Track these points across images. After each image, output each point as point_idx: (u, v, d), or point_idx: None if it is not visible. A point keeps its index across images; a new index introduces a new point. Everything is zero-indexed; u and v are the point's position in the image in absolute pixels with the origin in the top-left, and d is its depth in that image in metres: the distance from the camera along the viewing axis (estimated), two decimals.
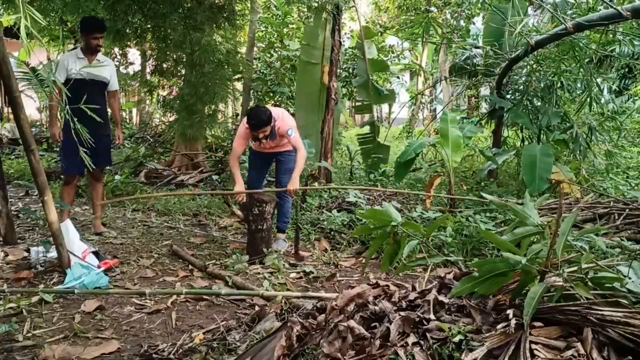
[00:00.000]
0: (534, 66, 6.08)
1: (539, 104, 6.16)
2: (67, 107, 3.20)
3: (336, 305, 1.85)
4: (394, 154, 7.96)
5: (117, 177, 6.62)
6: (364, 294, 1.89)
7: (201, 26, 6.07)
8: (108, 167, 5.89)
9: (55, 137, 4.35)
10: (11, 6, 4.00)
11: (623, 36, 5.23)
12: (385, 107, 19.51)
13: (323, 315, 1.88)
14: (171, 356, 2.47)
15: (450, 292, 1.74)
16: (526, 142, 6.52)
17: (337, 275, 3.76)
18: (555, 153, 5.38)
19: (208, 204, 5.89)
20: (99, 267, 3.58)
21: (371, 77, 7.33)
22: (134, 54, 11.82)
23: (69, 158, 4.23)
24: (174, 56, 6.92)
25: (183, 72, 7.11)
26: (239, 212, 4.18)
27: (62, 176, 4.64)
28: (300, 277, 3.74)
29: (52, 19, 7.20)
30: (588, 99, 5.69)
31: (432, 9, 11.41)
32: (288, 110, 5.67)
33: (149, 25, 6.48)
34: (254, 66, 8.73)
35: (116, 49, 10.54)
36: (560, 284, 1.57)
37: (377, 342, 1.56)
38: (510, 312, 1.49)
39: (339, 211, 5.07)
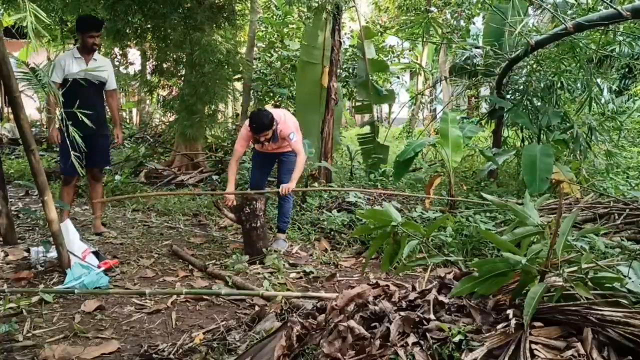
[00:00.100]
0: (534, 66, 6.08)
1: (539, 104, 6.16)
2: (62, 109, 3.21)
3: (336, 305, 1.85)
4: (394, 154, 7.96)
5: (117, 177, 6.62)
6: (364, 294, 1.89)
7: (201, 26, 6.07)
8: (108, 167, 5.89)
9: (53, 138, 4.33)
10: (12, 6, 3.99)
11: (623, 37, 5.23)
12: (385, 107, 19.50)
13: (323, 315, 1.88)
14: (171, 356, 2.47)
15: (450, 292, 1.74)
16: (526, 142, 6.52)
17: (337, 275, 3.77)
18: (555, 153, 5.37)
19: (208, 204, 5.89)
20: (99, 267, 3.58)
21: (371, 77, 7.33)
22: (134, 54, 11.81)
23: (68, 158, 4.23)
24: (174, 56, 6.92)
25: (183, 72, 7.11)
26: (230, 215, 4.20)
27: (61, 176, 4.64)
28: (300, 277, 3.74)
29: (52, 19, 7.20)
30: (588, 99, 5.69)
31: (432, 9, 11.40)
32: (289, 110, 5.67)
33: (149, 25, 6.48)
34: (254, 66, 8.73)
35: (116, 49, 10.54)
36: (560, 284, 1.57)
37: (377, 342, 1.56)
38: (510, 312, 1.49)
39: (339, 211, 5.07)
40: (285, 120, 4.25)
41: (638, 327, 1.35)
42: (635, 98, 9.27)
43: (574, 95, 6.38)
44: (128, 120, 14.57)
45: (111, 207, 5.73)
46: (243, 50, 8.90)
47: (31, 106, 11.29)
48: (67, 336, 2.68)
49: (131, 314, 3.02)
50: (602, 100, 6.57)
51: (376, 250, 2.95)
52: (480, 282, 1.63)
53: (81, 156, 3.65)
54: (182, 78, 7.21)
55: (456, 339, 1.47)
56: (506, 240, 1.79)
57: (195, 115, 6.36)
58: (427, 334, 1.55)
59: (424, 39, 8.81)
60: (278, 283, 3.57)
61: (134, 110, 14.84)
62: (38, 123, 11.96)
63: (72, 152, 3.27)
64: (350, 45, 10.04)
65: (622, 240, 3.69)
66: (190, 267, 3.89)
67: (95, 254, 3.76)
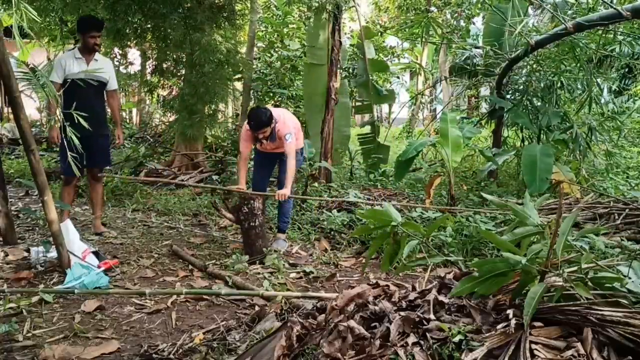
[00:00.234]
0: (534, 66, 6.07)
1: (539, 104, 6.15)
2: (60, 109, 3.21)
3: (336, 305, 1.85)
4: (394, 154, 7.96)
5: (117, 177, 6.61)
6: (364, 294, 1.89)
7: (201, 26, 6.07)
8: (108, 167, 5.88)
9: (53, 138, 4.33)
10: (10, 6, 3.98)
11: (623, 37, 5.23)
12: (385, 107, 19.49)
13: (323, 315, 1.88)
14: (171, 356, 2.47)
15: (450, 292, 1.74)
16: (526, 142, 6.52)
17: (337, 275, 3.77)
18: (555, 153, 5.37)
19: (208, 204, 5.89)
20: (99, 267, 3.58)
21: (371, 77, 7.33)
22: (134, 54, 11.80)
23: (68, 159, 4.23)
24: (174, 56, 6.93)
25: (183, 72, 7.11)
26: (229, 215, 4.20)
27: (62, 176, 4.64)
28: (300, 277, 3.74)
29: (52, 19, 7.20)
30: (588, 99, 5.69)
31: (432, 9, 11.40)
32: (289, 110, 5.67)
33: (149, 25, 6.49)
34: (254, 66, 8.73)
35: (116, 49, 10.53)
36: (560, 284, 1.57)
37: (377, 342, 1.56)
38: (510, 312, 1.49)
39: (339, 211, 5.07)
40: (285, 120, 4.24)
41: (638, 327, 1.35)
42: (635, 98, 9.27)
43: (574, 95, 6.38)
44: (128, 120, 14.56)
45: (111, 207, 5.73)
46: (243, 50, 8.90)
47: (31, 106, 11.29)
48: (67, 336, 2.68)
49: (131, 314, 3.02)
50: (602, 100, 6.58)
51: (376, 250, 2.95)
52: (480, 282, 1.63)
53: (81, 156, 3.65)
54: (182, 78, 7.21)
55: (456, 339, 1.47)
56: (506, 240, 1.79)
57: (195, 115, 6.36)
58: (427, 334, 1.55)
59: (424, 39, 8.81)
60: (278, 283, 3.57)
61: (134, 110, 14.84)
62: (38, 123, 11.96)
63: (69, 153, 3.27)
64: (350, 45, 10.04)
65: (622, 240, 3.69)
66: (190, 267, 3.89)
67: (95, 254, 3.76)
